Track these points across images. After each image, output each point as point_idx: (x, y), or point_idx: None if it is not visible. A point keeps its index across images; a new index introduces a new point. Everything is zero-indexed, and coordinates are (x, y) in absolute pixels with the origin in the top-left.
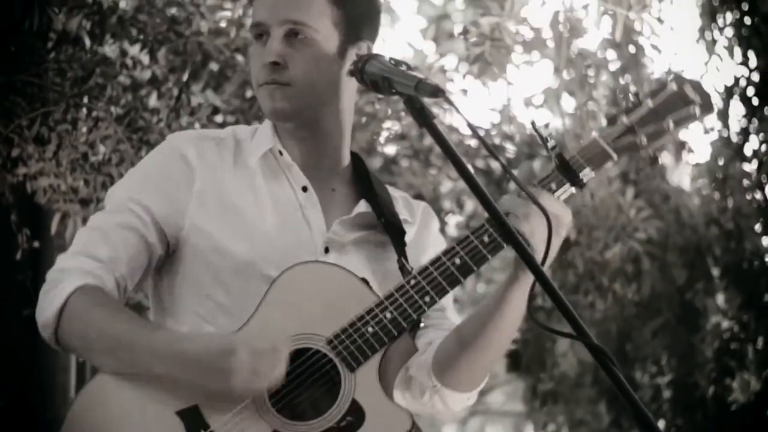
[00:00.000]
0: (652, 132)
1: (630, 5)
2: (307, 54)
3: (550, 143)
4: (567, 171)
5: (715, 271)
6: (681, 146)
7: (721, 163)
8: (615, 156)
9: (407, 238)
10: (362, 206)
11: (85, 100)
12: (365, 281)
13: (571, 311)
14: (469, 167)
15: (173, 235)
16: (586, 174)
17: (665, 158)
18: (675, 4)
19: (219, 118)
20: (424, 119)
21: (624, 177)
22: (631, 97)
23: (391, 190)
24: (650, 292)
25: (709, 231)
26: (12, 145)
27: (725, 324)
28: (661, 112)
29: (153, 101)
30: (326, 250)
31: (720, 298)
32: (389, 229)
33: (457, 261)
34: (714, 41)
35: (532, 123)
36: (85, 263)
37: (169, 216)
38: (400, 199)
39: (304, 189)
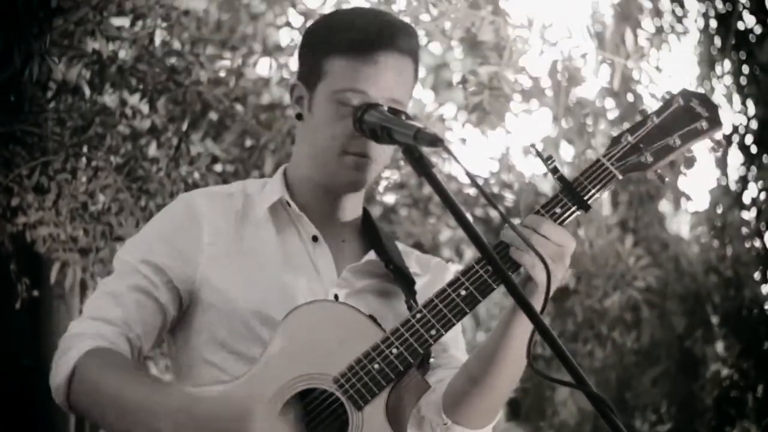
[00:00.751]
0: (659, 150)
1: (628, 54)
2: None
3: (551, 165)
4: (571, 193)
5: (715, 319)
6: (680, 194)
7: (719, 211)
8: (620, 175)
9: (417, 287)
10: (371, 255)
11: (85, 149)
12: (372, 318)
13: (570, 360)
14: (468, 216)
15: (186, 289)
16: (592, 195)
17: (664, 207)
18: (673, 52)
19: (218, 168)
20: (423, 168)
21: (623, 225)
22: (638, 116)
23: (402, 246)
24: (649, 340)
25: (708, 279)
26: (12, 195)
27: (725, 372)
28: (667, 128)
29: (152, 150)
30: (336, 298)
31: (719, 346)
32: (398, 275)
33: (463, 292)
34: (712, 89)
35: (532, 145)
36: (96, 327)
37: (181, 272)
38: (412, 255)
39: (315, 239)
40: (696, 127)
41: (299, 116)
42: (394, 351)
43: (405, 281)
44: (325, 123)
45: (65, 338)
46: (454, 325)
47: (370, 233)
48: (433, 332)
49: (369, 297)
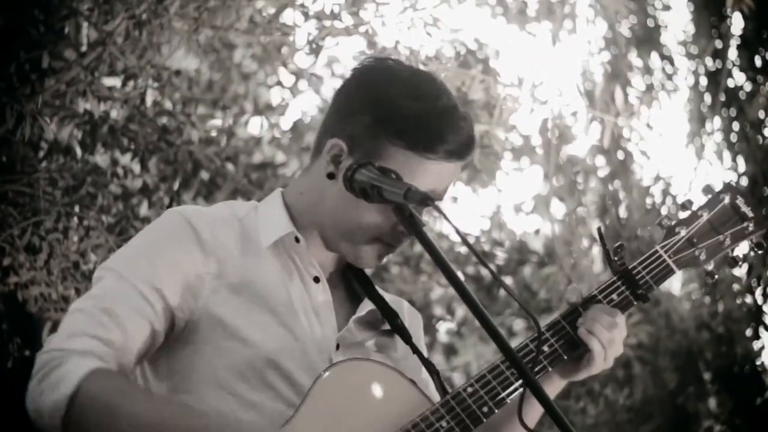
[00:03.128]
0: (711, 247)
1: (618, 112)
2: None
3: (617, 258)
4: (632, 286)
5: (707, 376)
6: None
7: (710, 267)
8: (677, 269)
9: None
10: (369, 304)
11: (77, 209)
12: (413, 382)
13: (561, 417)
14: (459, 274)
15: (183, 318)
16: (650, 289)
17: None
18: (664, 110)
19: None
20: (413, 227)
21: None
22: (685, 204)
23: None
24: (642, 396)
25: (700, 335)
26: (3, 255)
27: (717, 428)
28: (717, 225)
29: (144, 210)
30: (337, 347)
31: (712, 402)
32: (399, 332)
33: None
34: (703, 146)
35: (599, 230)
36: (94, 346)
37: (183, 300)
38: (386, 296)
39: (316, 279)
40: (744, 228)
41: (331, 176)
42: (444, 425)
43: (404, 334)
44: (370, 206)
45: (49, 353)
46: (506, 403)
47: (357, 277)
48: (485, 409)
49: (369, 349)
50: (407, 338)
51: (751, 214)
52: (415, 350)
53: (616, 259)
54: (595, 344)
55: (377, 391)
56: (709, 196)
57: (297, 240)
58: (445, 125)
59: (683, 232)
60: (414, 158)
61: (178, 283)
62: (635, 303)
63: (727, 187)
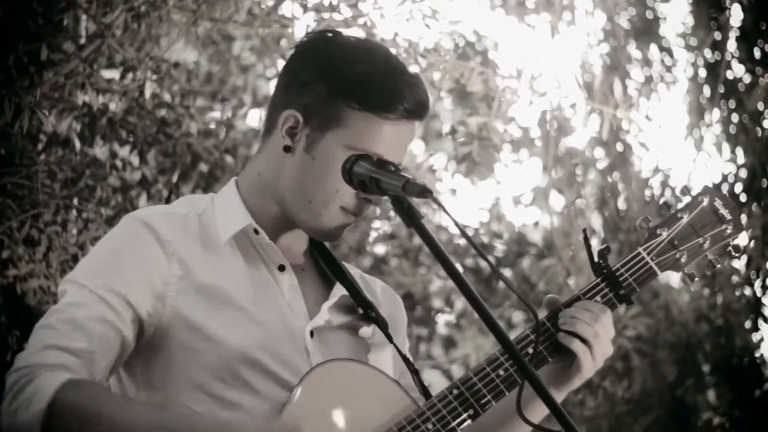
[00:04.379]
0: (691, 249)
1: (617, 104)
2: None
3: (602, 253)
4: (616, 288)
5: (706, 368)
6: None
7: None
8: (660, 272)
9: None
10: (341, 289)
11: (75, 201)
12: (397, 383)
13: (560, 409)
14: (458, 266)
15: (152, 323)
16: (633, 291)
17: None
18: (663, 102)
19: None
20: (412, 219)
21: None
22: (663, 211)
23: (347, 266)
24: (641, 388)
25: (699, 327)
26: (2, 247)
27: (716, 421)
28: (697, 227)
29: (143, 202)
30: (311, 334)
31: (711, 395)
32: (374, 318)
33: (501, 372)
34: (702, 138)
35: (584, 230)
36: (62, 358)
37: (149, 305)
38: (358, 279)
39: (281, 268)
40: (722, 231)
41: (288, 148)
42: (430, 427)
43: (381, 324)
44: (332, 174)
45: (17, 371)
46: (491, 405)
47: (323, 257)
48: (471, 411)
49: (344, 335)
50: (384, 328)
51: (729, 217)
52: (392, 344)
53: (600, 261)
54: (576, 345)
55: (361, 393)
56: (689, 197)
57: (256, 232)
58: (401, 84)
59: (665, 234)
60: (374, 120)
61: (142, 288)
62: (618, 305)
63: (706, 189)
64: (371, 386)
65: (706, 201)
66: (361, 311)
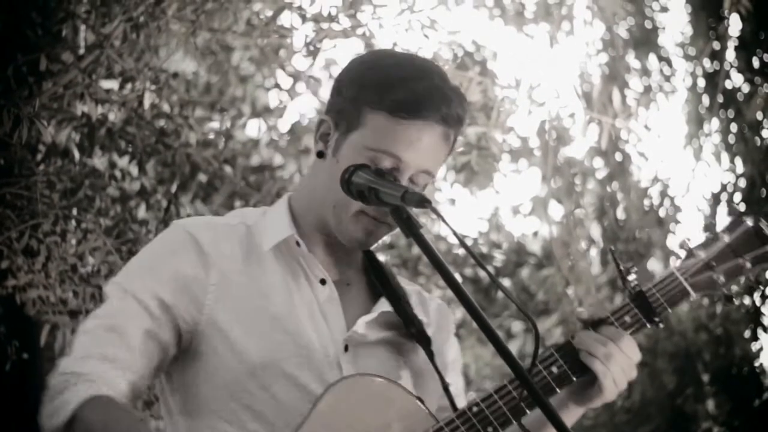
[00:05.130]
0: (730, 270)
1: (616, 114)
2: None
3: (630, 278)
4: (646, 309)
5: (705, 377)
6: (669, 253)
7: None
8: (693, 293)
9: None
10: (385, 305)
11: (74, 212)
12: (420, 400)
13: (558, 418)
14: (457, 276)
15: (189, 330)
16: (664, 310)
17: (653, 265)
18: (661, 111)
19: None
20: (411, 229)
21: (612, 284)
22: (708, 233)
23: (403, 283)
24: (640, 398)
25: (699, 337)
26: (1, 258)
27: (716, 430)
28: (737, 249)
29: (142, 213)
30: (345, 348)
31: (710, 404)
32: (416, 335)
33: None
34: (701, 148)
35: (611, 250)
36: (102, 369)
37: (187, 313)
38: (414, 296)
39: (323, 282)
40: (766, 252)
41: (320, 154)
42: None
43: (423, 340)
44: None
45: (59, 376)
46: (512, 424)
47: (376, 274)
48: (489, 429)
49: (381, 351)
50: (425, 345)
51: None
52: (432, 361)
53: (630, 280)
54: (597, 365)
55: (381, 409)
56: (732, 218)
57: (298, 244)
58: (423, 86)
59: (702, 255)
60: (390, 120)
61: (181, 295)
62: (648, 325)
63: (750, 212)
64: (392, 403)
65: (749, 222)
66: (405, 330)
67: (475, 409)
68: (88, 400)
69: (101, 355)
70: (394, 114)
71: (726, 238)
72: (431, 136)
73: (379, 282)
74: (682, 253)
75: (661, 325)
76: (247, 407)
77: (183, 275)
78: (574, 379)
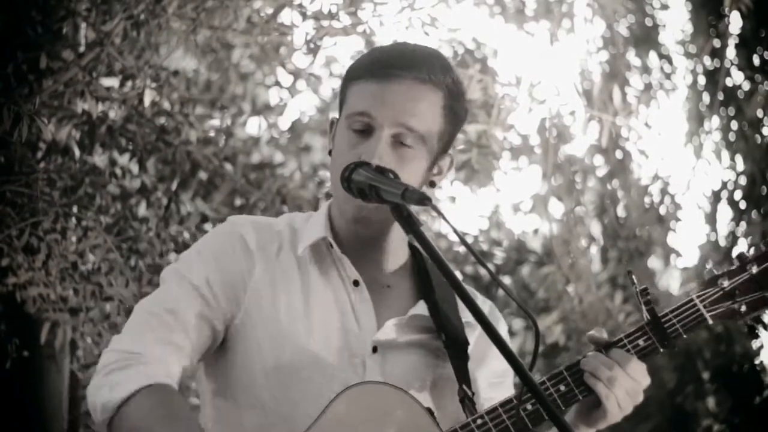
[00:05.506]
0: (754, 301)
1: (616, 111)
2: (411, 168)
3: (646, 296)
4: (658, 329)
5: (705, 375)
6: (669, 250)
7: (709, 266)
8: (711, 320)
9: (469, 348)
10: (419, 308)
11: (75, 209)
12: (430, 411)
13: (559, 416)
14: (458, 274)
15: (227, 321)
16: (678, 335)
17: (654, 263)
18: (662, 109)
19: (208, 227)
20: (411, 227)
21: (613, 281)
22: (735, 261)
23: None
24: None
25: (699, 334)
26: (2, 255)
27: (716, 427)
28: (763, 282)
29: (142, 210)
30: (374, 350)
31: (711, 402)
32: (450, 345)
33: (529, 407)
34: (701, 145)
35: (629, 272)
36: (156, 350)
37: (228, 306)
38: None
39: (356, 283)
40: None
41: (330, 152)
42: None
43: (457, 349)
44: (337, 149)
45: (122, 353)
46: None
47: (421, 278)
48: None
49: (411, 354)
50: (457, 352)
51: None
52: (462, 387)
53: (647, 304)
54: (600, 387)
55: (387, 418)
56: (763, 249)
57: (330, 245)
58: (394, 50)
59: (725, 284)
60: (357, 85)
61: (227, 288)
62: (660, 350)
63: (751, 208)
64: (399, 413)
65: None
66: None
67: (479, 421)
68: (148, 387)
69: (159, 338)
70: (366, 79)
71: (753, 270)
72: (405, 92)
73: (423, 284)
74: (704, 281)
75: (675, 349)
76: (269, 402)
77: (229, 270)
78: (581, 397)
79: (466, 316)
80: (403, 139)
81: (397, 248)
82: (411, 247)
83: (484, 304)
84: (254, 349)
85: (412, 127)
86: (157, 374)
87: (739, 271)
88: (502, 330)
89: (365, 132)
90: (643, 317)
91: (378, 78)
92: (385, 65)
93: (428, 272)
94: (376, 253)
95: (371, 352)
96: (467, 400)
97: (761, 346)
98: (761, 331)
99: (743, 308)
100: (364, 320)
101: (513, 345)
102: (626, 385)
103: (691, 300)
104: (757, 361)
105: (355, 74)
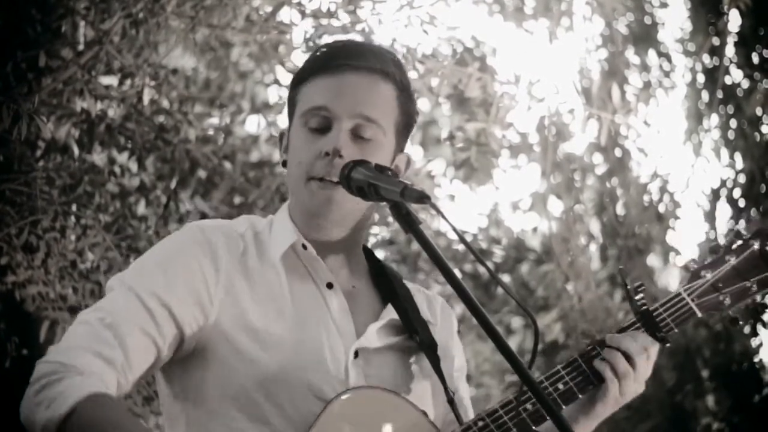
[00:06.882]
0: (736, 293)
1: (615, 109)
2: (372, 159)
3: (638, 297)
4: (652, 327)
5: (705, 373)
6: (668, 248)
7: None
8: (699, 313)
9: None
10: (391, 311)
11: (74, 208)
12: (425, 414)
13: (558, 414)
14: (456, 272)
15: (193, 337)
16: (670, 330)
17: (653, 261)
18: (661, 107)
19: None
20: (410, 225)
21: (612, 280)
22: (715, 249)
23: (409, 286)
24: (640, 395)
25: (698, 333)
26: (1, 254)
27: (715, 426)
28: (744, 271)
29: (141, 209)
30: (356, 355)
31: (710, 400)
32: (424, 347)
33: (529, 407)
34: (700, 143)
35: (620, 270)
36: (97, 365)
37: (192, 319)
38: (419, 296)
39: (329, 285)
40: None
41: (284, 164)
42: None
43: (428, 347)
44: (292, 151)
45: (51, 365)
46: None
47: (379, 278)
48: None
49: (390, 357)
50: (431, 351)
51: None
52: (437, 370)
53: (637, 299)
54: (608, 373)
55: (385, 422)
56: (739, 241)
57: (304, 247)
58: (340, 45)
59: (708, 276)
60: (314, 82)
61: (189, 301)
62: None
63: (758, 233)
64: (396, 416)
65: (756, 245)
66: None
67: (480, 423)
68: (91, 395)
69: (99, 353)
70: (319, 75)
71: (733, 260)
72: (360, 83)
73: (383, 286)
74: (688, 274)
75: (668, 345)
76: (252, 416)
77: (192, 281)
78: (580, 396)
79: (425, 313)
80: (362, 132)
81: (358, 252)
82: (365, 250)
83: (435, 299)
84: (233, 362)
85: (370, 117)
86: (93, 384)
87: (719, 263)
88: (455, 327)
89: (323, 129)
90: (633, 314)
91: (331, 71)
92: (338, 57)
93: (387, 275)
94: (343, 254)
95: (353, 358)
96: (450, 403)
97: (760, 345)
98: (760, 329)
99: (727, 301)
100: (342, 324)
101: (512, 343)
102: (628, 371)
103: (679, 294)
104: (756, 360)
105: (305, 75)
